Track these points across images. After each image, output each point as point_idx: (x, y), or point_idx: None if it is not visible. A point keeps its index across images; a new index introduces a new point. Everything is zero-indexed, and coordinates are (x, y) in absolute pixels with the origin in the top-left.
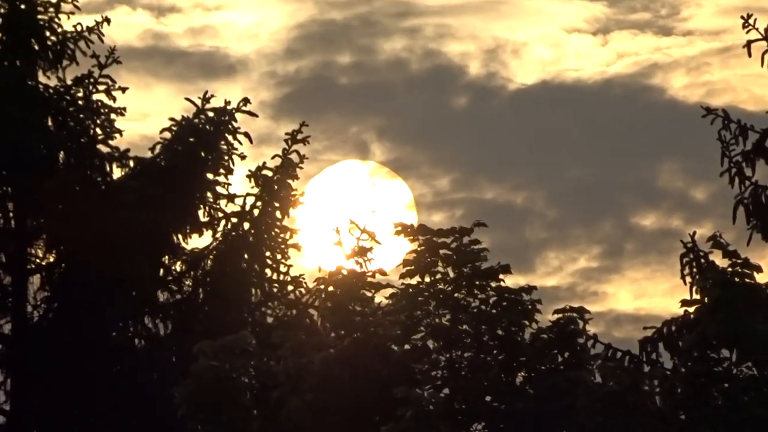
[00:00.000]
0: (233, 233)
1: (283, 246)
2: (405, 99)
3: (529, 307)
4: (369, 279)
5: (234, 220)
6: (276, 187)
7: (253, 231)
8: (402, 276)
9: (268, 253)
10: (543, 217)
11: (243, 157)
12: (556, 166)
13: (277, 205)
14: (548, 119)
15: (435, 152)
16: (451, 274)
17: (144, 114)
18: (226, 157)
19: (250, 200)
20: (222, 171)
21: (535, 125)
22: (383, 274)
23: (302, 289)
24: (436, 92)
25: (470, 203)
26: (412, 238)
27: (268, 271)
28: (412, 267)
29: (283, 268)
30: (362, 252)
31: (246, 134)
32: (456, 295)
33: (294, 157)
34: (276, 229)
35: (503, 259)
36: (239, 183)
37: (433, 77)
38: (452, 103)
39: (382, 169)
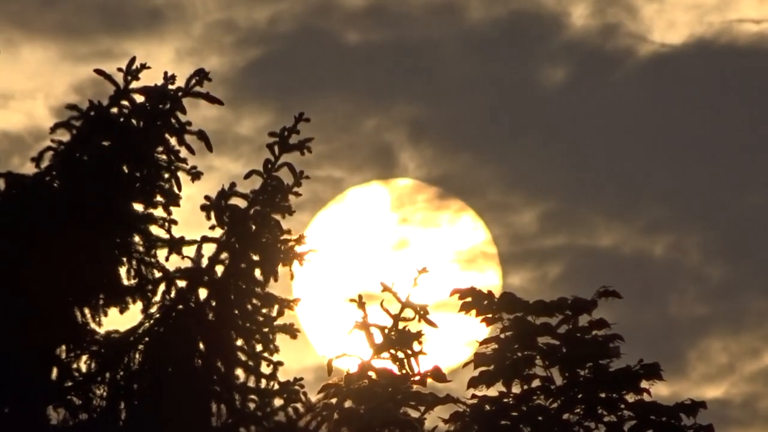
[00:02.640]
0: (180, 306)
1: (266, 329)
2: (458, 71)
3: None
4: (415, 387)
5: (182, 283)
6: (254, 228)
7: (214, 302)
8: (472, 383)
9: (240, 342)
10: (702, 277)
11: (196, 175)
12: (724, 186)
13: (255, 258)
14: (709, 101)
15: (512, 165)
16: (558, 381)
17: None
18: (167, 176)
19: (210, 250)
20: (159, 199)
21: (686, 111)
22: (441, 379)
23: (300, 405)
24: (515, 59)
25: (576, 254)
26: (489, 316)
27: (240, 374)
28: (491, 368)
29: (266, 369)
30: (404, 341)
31: (201, 135)
32: (567, 417)
33: (284, 175)
34: (255, 301)
35: (644, 354)
36: (190, 221)
37: (509, 34)
38: (541, 78)
39: (426, 191)
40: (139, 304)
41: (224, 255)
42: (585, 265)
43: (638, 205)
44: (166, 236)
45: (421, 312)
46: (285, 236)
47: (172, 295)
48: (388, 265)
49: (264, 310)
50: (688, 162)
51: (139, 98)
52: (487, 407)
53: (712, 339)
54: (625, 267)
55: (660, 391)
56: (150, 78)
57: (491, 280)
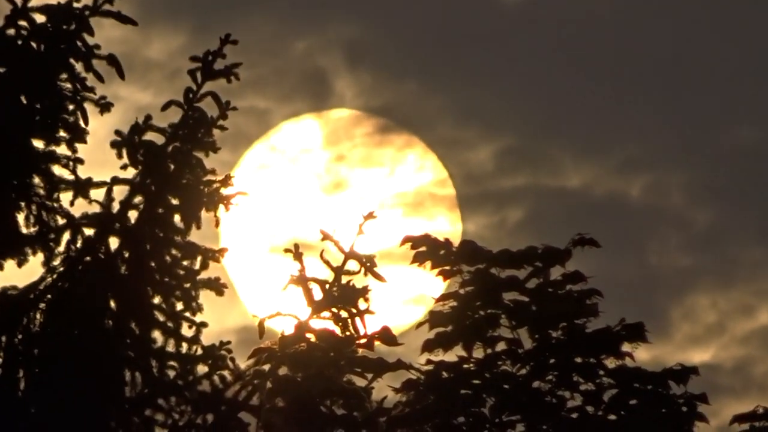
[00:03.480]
0: (87, 258)
1: (188, 285)
2: None
3: (684, 408)
4: (360, 351)
5: (89, 231)
6: (173, 167)
7: (126, 254)
8: (427, 347)
9: (157, 300)
10: (686, 223)
11: (105, 107)
12: (710, 118)
13: (175, 202)
14: (694, 21)
15: (466, 94)
16: (527, 344)
17: None
18: (72, 108)
19: (121, 193)
20: (63, 135)
21: (667, 32)
22: (391, 342)
23: (227, 373)
24: None
25: (540, 197)
26: (447, 268)
27: (157, 336)
28: (448, 328)
29: (188, 331)
30: (347, 297)
31: (112, 60)
32: (537, 385)
33: (207, 107)
34: (174, 252)
35: (621, 312)
36: (98, 159)
37: None
38: None
39: (366, 123)
40: (40, 256)
41: (138, 198)
42: (551, 209)
43: (612, 139)
44: (71, 177)
45: (368, 263)
46: (209, 177)
47: (78, 245)
48: (327, 210)
49: (185, 263)
50: (669, 90)
51: (40, 18)
52: (445, 374)
53: (699, 294)
54: (598, 211)
55: (640, 355)
56: None
57: (442, 226)
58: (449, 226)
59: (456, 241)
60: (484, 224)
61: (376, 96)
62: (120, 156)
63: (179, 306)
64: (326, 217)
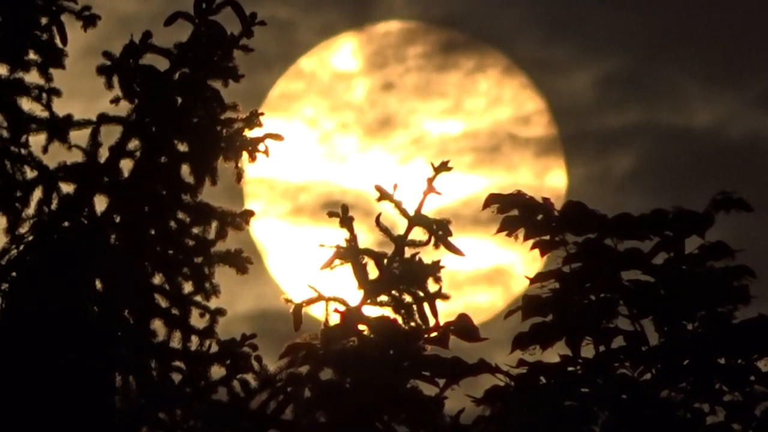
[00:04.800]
0: (65, 223)
1: (200, 260)
2: None
3: None
4: (430, 349)
5: (68, 188)
6: (180, 101)
7: (118, 218)
8: (519, 343)
9: (158, 280)
10: None
11: (90, 20)
12: None
13: (182, 149)
14: None
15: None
16: (653, 339)
17: None
18: (45, 22)
19: (111, 136)
20: (33, 57)
21: None
22: (472, 336)
23: (251, 377)
24: None
25: (659, 138)
26: (546, 238)
27: (159, 328)
28: (548, 319)
29: (199, 321)
30: (413, 276)
31: None
32: (666, 394)
33: (225, 20)
34: (182, 216)
35: None
36: (80, 89)
37: None
38: None
39: (423, 39)
40: (2, 221)
41: (134, 144)
42: (672, 155)
43: (752, 65)
44: (44, 114)
45: (440, 232)
46: (228, 114)
47: (53, 206)
48: (370, 159)
49: (195, 230)
50: None
51: None
52: (543, 379)
53: None
54: (734, 159)
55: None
56: None
57: (525, 179)
58: (534, 180)
59: (558, 202)
60: (582, 177)
61: (435, 4)
62: (110, 86)
63: (188, 288)
64: (384, 171)
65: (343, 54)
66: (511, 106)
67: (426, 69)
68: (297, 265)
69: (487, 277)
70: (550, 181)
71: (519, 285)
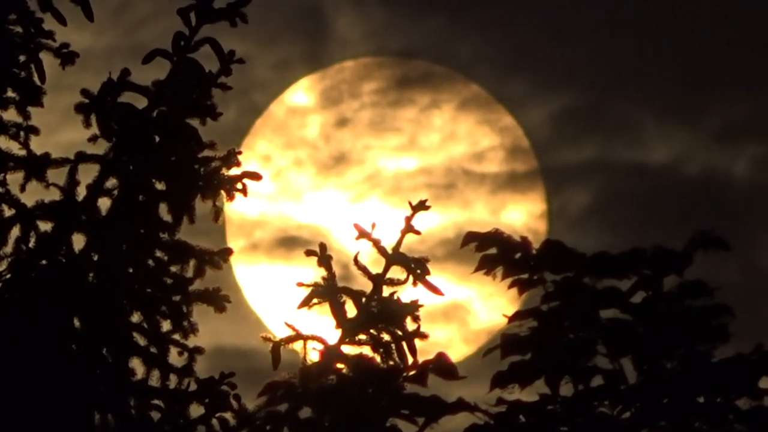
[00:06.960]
0: (43, 261)
1: (178, 299)
2: None
3: None
4: (409, 387)
5: (45, 226)
6: (158, 139)
7: (96, 256)
8: (498, 381)
9: (136, 318)
10: None
11: (68, 57)
12: None
13: (160, 188)
14: None
15: (513, 35)
16: (632, 378)
17: None
18: (23, 59)
19: (89, 174)
20: (11, 95)
21: None
22: (450, 374)
23: (229, 415)
24: None
25: (612, 175)
26: (524, 277)
27: (137, 366)
28: (526, 357)
29: (178, 359)
30: (391, 315)
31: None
32: None
33: (204, 58)
34: (159, 255)
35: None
36: (57, 128)
37: None
38: None
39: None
40: None
41: (112, 182)
42: (626, 191)
43: (709, 99)
44: (22, 152)
45: (418, 270)
46: (206, 152)
47: (31, 244)
48: (323, 198)
49: (173, 269)
50: None
51: None
52: (522, 418)
53: None
54: (691, 194)
55: None
56: None
57: (480, 215)
58: (490, 216)
59: (536, 240)
60: (538, 213)
61: (390, 39)
62: (88, 124)
63: (166, 326)
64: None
65: (297, 90)
66: (466, 142)
67: (380, 105)
68: (275, 304)
69: (443, 313)
70: (506, 217)
71: (475, 321)
